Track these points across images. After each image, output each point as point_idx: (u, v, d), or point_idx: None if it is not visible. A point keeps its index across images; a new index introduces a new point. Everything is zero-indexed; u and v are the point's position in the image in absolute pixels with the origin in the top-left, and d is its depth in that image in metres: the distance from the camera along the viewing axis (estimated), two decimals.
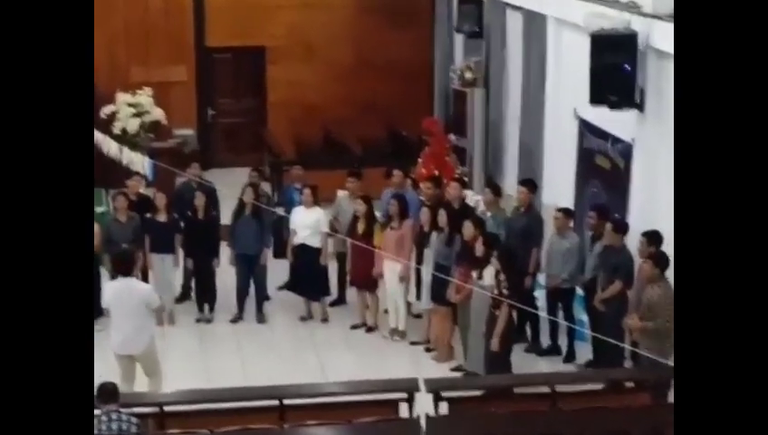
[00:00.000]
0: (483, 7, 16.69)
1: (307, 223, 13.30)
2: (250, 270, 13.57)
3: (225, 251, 13.65)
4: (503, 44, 16.39)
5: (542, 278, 12.67)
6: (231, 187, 14.27)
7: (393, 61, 19.48)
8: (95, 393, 8.55)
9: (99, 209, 13.83)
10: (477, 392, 10.25)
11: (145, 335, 10.85)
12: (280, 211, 14.11)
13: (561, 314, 12.26)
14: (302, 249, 13.39)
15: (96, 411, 8.46)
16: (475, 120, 17.15)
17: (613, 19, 11.44)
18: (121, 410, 8.63)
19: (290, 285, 13.94)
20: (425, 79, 19.77)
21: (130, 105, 17.60)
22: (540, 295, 12.71)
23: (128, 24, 18.91)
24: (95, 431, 8.48)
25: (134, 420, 8.66)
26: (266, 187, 15.96)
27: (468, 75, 16.98)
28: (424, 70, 19.74)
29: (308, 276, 13.49)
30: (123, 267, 10.94)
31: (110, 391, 8.65)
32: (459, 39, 18.07)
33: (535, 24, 14.97)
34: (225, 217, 13.88)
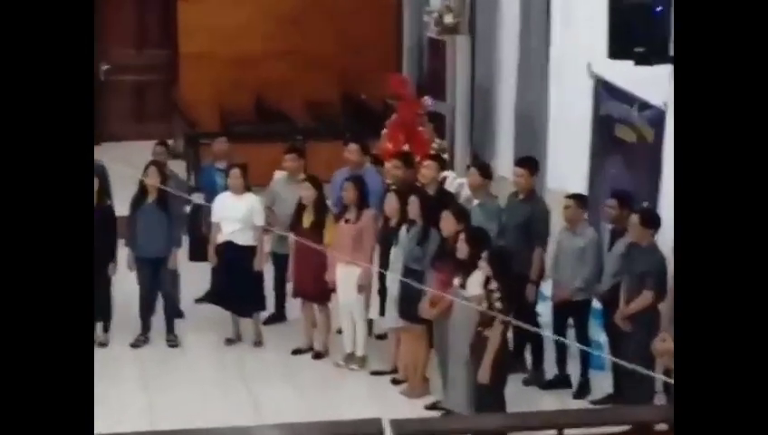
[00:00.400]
0: None
1: (236, 214, 13.32)
2: (156, 277, 13.55)
3: (122, 252, 13.62)
4: None
5: (546, 287, 12.72)
6: (130, 166, 14.20)
7: (350, 0, 19.54)
8: None
9: None
10: None
11: None
12: (197, 199, 14.08)
13: (571, 333, 12.36)
14: (229, 249, 13.40)
15: None
16: (457, 78, 17.17)
17: None
18: None
19: (212, 297, 13.95)
20: (391, 24, 19.82)
21: None
22: (544, 310, 12.77)
23: None
24: None
25: None
26: (178, 166, 15.90)
27: (448, 19, 16.96)
28: (389, 12, 19.78)
29: (237, 285, 13.45)
30: None
31: None
32: None
33: None
34: (122, 208, 13.80)
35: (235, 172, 13.43)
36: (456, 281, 11.43)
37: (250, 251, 13.38)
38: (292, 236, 12.98)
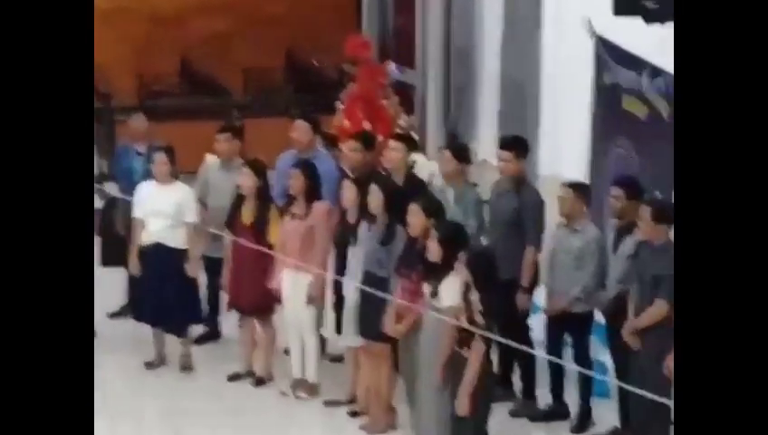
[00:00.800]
0: None
1: (162, 208, 13.30)
2: None
3: None
4: None
5: (539, 296, 12.70)
6: None
7: None
8: None
9: None
10: None
11: None
12: (111, 190, 14.00)
13: (569, 353, 12.33)
14: (155, 251, 13.40)
15: None
16: (428, 39, 17.17)
17: None
18: None
19: (132, 311, 14.01)
20: None
21: None
22: (537, 324, 12.74)
23: None
24: None
25: None
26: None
27: None
28: None
29: (166, 295, 13.44)
30: None
31: None
32: None
33: None
34: None
35: (161, 157, 13.40)
36: (428, 289, 11.35)
37: (181, 254, 13.40)
38: (227, 236, 12.98)
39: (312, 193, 12.75)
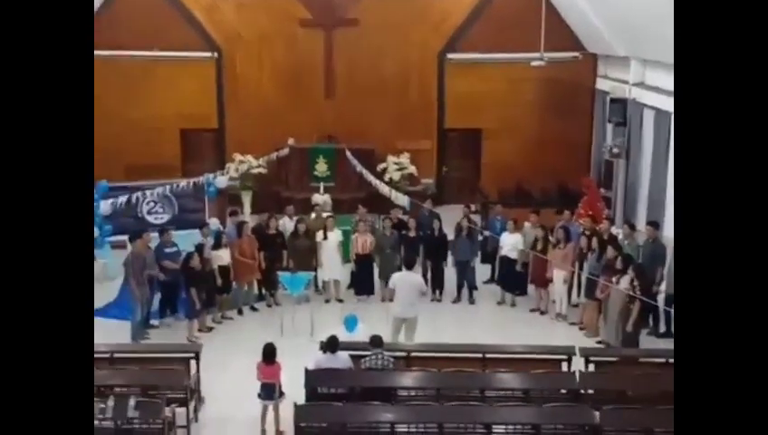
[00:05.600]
0: (627, 106, 16.23)
1: (509, 242, 13.14)
2: (465, 270, 13.48)
3: (450, 258, 13.60)
4: (640, 130, 15.84)
5: (663, 286, 12.03)
6: (455, 216, 14.25)
7: (564, 140, 19.10)
8: (369, 341, 8.82)
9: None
10: (614, 359, 9.92)
11: (415, 307, 10.98)
12: (486, 233, 14.04)
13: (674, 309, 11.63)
14: (505, 259, 13.25)
15: (368, 352, 8.75)
16: (618, 179, 16.68)
17: None
18: (385, 352, 8.84)
19: (494, 281, 13.82)
20: (585, 152, 19.26)
21: (396, 163, 18.29)
22: (660, 298, 12.07)
23: (396, 112, 19.35)
24: (368, 365, 8.69)
25: (392, 359, 8.87)
26: (477, 218, 15.83)
27: (615, 150, 16.53)
28: (585, 146, 19.25)
29: (508, 276, 13.28)
30: (409, 264, 11.14)
31: (378, 341, 8.95)
32: (609, 127, 17.57)
33: (662, 116, 14.40)
34: (451, 236, 13.71)
35: (511, 222, 13.24)
36: (615, 280, 11.00)
37: (515, 261, 13.09)
38: (531, 253, 12.74)
39: (568, 239, 12.44)
